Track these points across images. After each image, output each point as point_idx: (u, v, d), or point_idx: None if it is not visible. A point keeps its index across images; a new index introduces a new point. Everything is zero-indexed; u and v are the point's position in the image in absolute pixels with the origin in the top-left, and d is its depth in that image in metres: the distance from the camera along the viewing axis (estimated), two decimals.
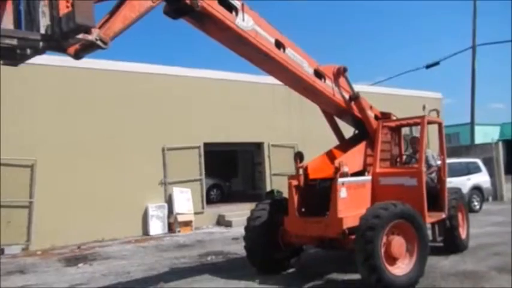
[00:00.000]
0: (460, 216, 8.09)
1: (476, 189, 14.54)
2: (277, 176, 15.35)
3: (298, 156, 7.42)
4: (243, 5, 5.35)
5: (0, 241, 10.68)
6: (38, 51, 3.65)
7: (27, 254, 10.72)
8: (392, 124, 7.81)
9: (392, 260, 5.88)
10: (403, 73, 25.29)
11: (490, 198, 16.68)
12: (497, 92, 77.72)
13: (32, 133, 11.53)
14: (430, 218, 7.07)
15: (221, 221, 14.40)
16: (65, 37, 3.57)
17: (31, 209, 11.37)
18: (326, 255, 8.22)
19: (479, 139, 24.30)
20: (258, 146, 16.36)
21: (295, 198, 6.81)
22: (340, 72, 7.04)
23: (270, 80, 15.36)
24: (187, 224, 13.42)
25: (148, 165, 13.26)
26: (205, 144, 14.50)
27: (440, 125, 8.04)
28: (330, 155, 7.41)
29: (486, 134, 34.53)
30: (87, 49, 3.95)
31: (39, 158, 11.47)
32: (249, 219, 7.35)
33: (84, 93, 12.35)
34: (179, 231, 13.11)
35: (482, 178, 15.01)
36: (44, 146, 11.65)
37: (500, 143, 18.27)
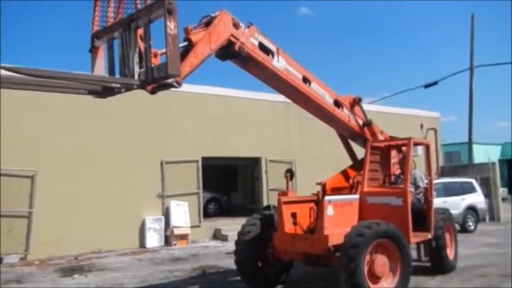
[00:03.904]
0: (447, 236, 8.22)
1: (471, 209, 14.61)
2: (275, 191, 15.51)
3: (289, 173, 7.77)
4: (277, 49, 6.40)
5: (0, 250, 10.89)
6: (130, 90, 4.70)
7: (25, 264, 10.91)
8: (381, 145, 8.04)
9: (376, 278, 6.05)
10: (404, 91, 25.57)
11: (487, 219, 16.74)
12: (503, 110, 77.81)
13: (34, 145, 11.83)
14: (415, 238, 7.22)
15: (217, 235, 14.56)
16: (154, 82, 4.62)
17: (30, 219, 11.61)
18: (316, 271, 8.36)
19: (480, 158, 24.37)
20: (256, 161, 16.59)
21: (285, 214, 7.02)
22: (355, 102, 7.87)
23: (270, 97, 15.94)
24: (183, 237, 13.58)
25: (147, 178, 13.51)
26: (204, 158, 14.76)
27: (427, 146, 8.25)
28: (345, 174, 8.10)
29: (487, 153, 34.55)
30: (163, 88, 4.84)
31: (40, 169, 11.75)
32: (239, 234, 7.54)
33: (85, 107, 12.62)
34: (175, 245, 13.27)
35: (477, 198, 15.08)
36: (45, 158, 11.94)
37: (497, 163, 18.37)
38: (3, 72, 3.69)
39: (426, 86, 20.19)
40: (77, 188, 12.32)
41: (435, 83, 19.94)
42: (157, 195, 13.77)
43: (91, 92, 4.63)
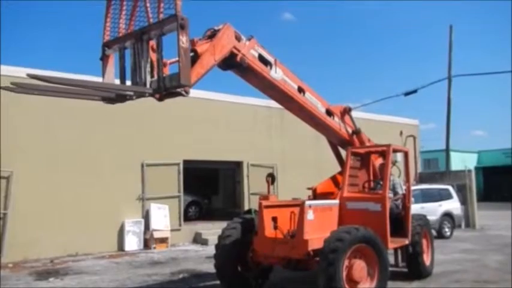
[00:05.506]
0: (424, 242, 8.37)
1: (447, 215, 14.88)
2: (256, 195, 15.52)
3: (270, 177, 7.83)
4: (275, 60, 6.72)
5: None
6: (141, 97, 4.95)
7: None
8: (362, 151, 8.16)
9: (354, 283, 6.11)
10: (385, 98, 25.88)
11: (463, 225, 17.08)
12: (480, 119, 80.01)
13: (10, 145, 11.52)
14: (393, 243, 7.33)
15: (197, 239, 14.46)
16: (165, 90, 4.89)
17: (5, 221, 11.31)
18: (295, 275, 8.39)
19: (457, 165, 24.96)
20: (238, 164, 16.58)
21: (265, 218, 7.04)
22: (346, 111, 8.29)
23: (252, 101, 15.99)
24: (163, 240, 13.45)
25: (127, 181, 13.34)
26: (186, 161, 14.67)
27: (406, 153, 8.42)
28: (334, 179, 8.46)
29: (464, 160, 35.38)
30: (172, 96, 5.11)
31: (16, 170, 11.47)
32: (219, 238, 7.53)
33: (63, 107, 12.40)
34: (154, 248, 13.13)
35: (453, 205, 15.35)
36: (22, 158, 11.66)
37: (473, 171, 18.81)
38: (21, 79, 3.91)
39: (406, 94, 20.49)
40: (54, 190, 12.07)
41: (415, 91, 20.26)
42: (137, 197, 13.61)
43: (104, 99, 4.91)
